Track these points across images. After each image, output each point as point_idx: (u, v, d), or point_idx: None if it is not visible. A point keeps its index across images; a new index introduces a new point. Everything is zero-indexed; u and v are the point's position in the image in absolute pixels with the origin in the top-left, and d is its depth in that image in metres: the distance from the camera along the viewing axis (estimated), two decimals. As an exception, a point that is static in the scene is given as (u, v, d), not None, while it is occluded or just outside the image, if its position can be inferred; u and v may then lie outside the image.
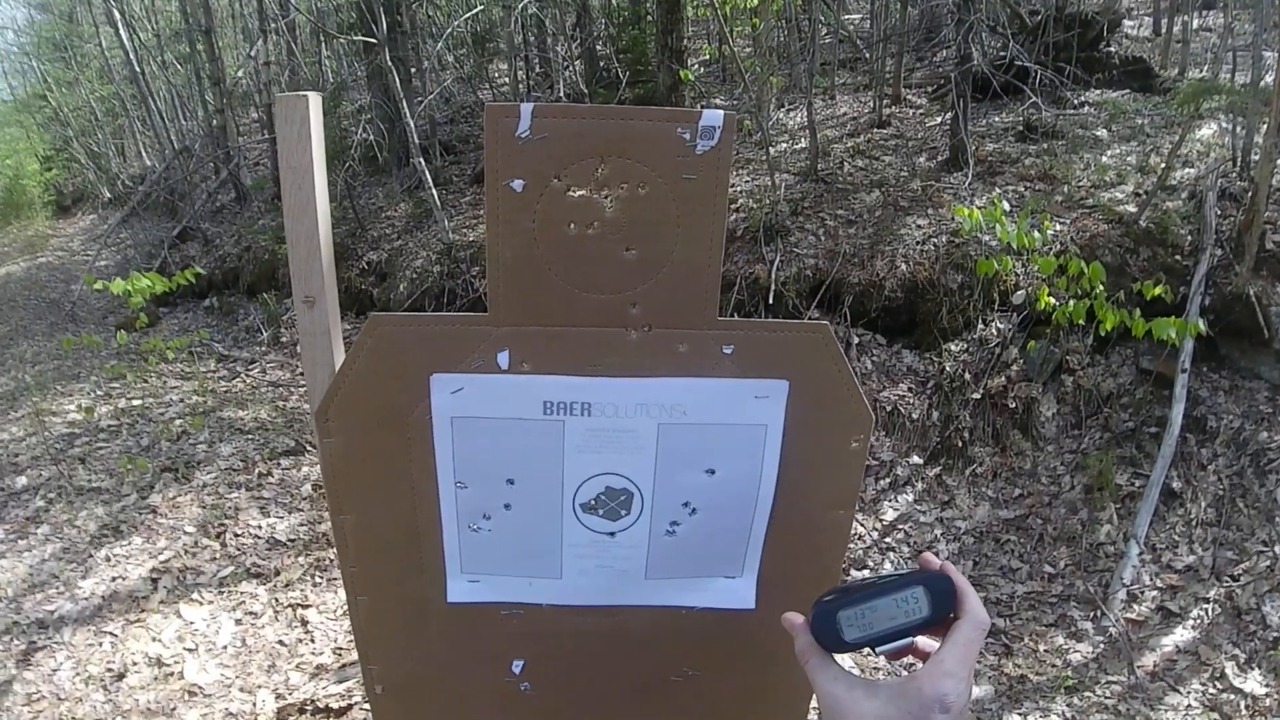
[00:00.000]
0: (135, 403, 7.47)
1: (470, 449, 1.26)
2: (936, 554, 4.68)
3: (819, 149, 7.46)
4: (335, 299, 1.36)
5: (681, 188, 1.13)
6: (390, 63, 8.22)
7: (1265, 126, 5.05)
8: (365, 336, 1.21)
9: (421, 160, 8.45)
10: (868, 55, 10.50)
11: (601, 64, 11.57)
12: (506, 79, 12.33)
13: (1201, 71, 8.07)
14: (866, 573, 4.64)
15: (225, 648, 4.13)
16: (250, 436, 6.51)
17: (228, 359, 8.87)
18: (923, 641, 1.00)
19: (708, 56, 11.14)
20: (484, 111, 1.13)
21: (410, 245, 9.11)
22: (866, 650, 0.96)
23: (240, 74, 15.44)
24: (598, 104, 9.35)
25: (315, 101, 1.25)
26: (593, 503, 1.29)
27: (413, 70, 11.39)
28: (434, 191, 8.26)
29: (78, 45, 23.77)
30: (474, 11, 12.16)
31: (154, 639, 4.18)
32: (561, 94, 9.42)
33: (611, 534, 1.32)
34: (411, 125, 8.46)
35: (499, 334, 1.20)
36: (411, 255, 8.86)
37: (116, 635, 4.22)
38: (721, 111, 1.10)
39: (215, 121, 13.96)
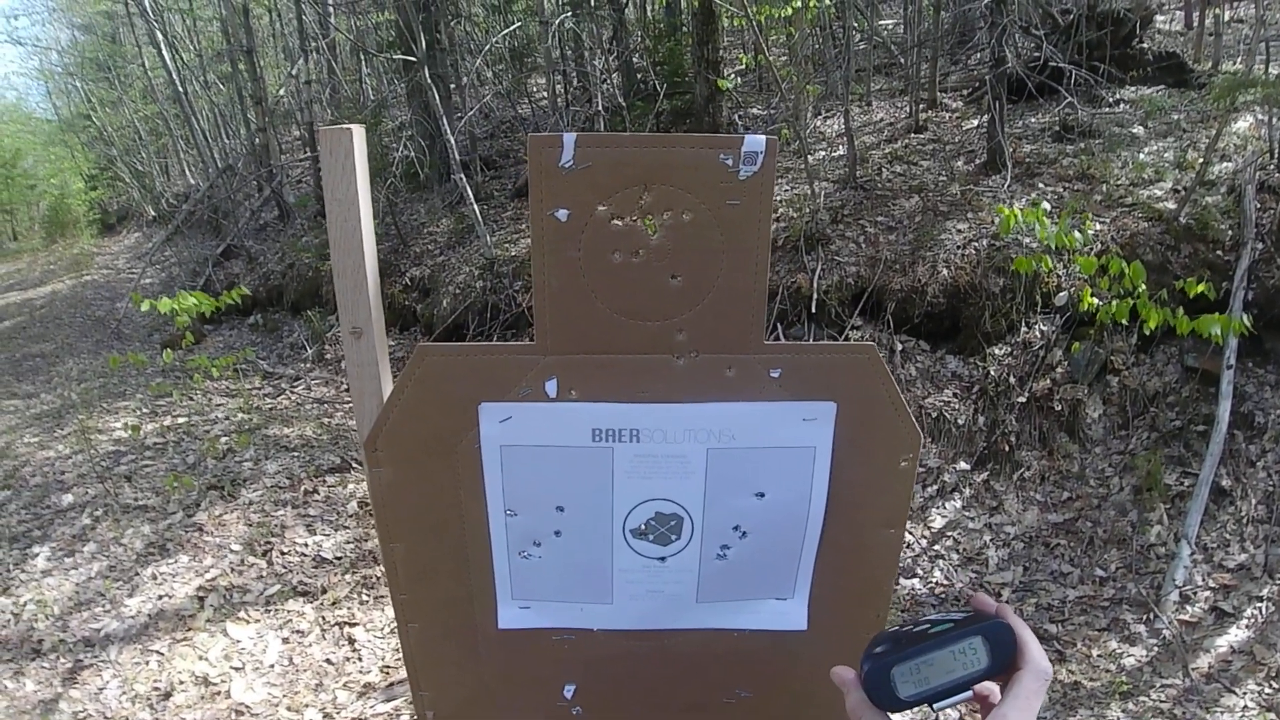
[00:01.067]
0: (181, 420, 7.55)
1: (520, 477, 1.26)
2: (988, 581, 4.65)
3: (857, 156, 7.42)
4: (383, 329, 1.37)
5: (725, 213, 1.13)
6: (430, 80, 8.27)
7: (1300, 117, 4.99)
8: (413, 366, 1.22)
9: (462, 176, 8.48)
10: (903, 60, 10.44)
11: (639, 76, 11.58)
12: (545, 94, 12.41)
13: (1235, 64, 7.95)
14: (916, 582, 4.61)
15: (272, 666, 4.15)
16: (296, 454, 6.56)
17: (272, 376, 8.95)
18: (981, 685, 0.96)
19: (744, 66, 11.09)
20: (526, 141, 1.13)
21: (453, 261, 9.16)
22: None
23: (282, 93, 15.63)
24: (637, 130, 9.45)
25: (359, 133, 1.26)
26: (643, 528, 1.29)
27: (452, 86, 11.47)
28: (475, 207, 8.28)
29: (121, 66, 24.17)
30: (512, 28, 12.26)
31: (201, 658, 4.21)
32: (600, 107, 9.43)
33: (662, 559, 1.32)
34: (452, 141, 8.51)
35: (547, 362, 1.20)
36: (454, 270, 8.90)
37: (163, 654, 4.25)
38: (764, 137, 1.09)
39: (258, 140, 14.16)
